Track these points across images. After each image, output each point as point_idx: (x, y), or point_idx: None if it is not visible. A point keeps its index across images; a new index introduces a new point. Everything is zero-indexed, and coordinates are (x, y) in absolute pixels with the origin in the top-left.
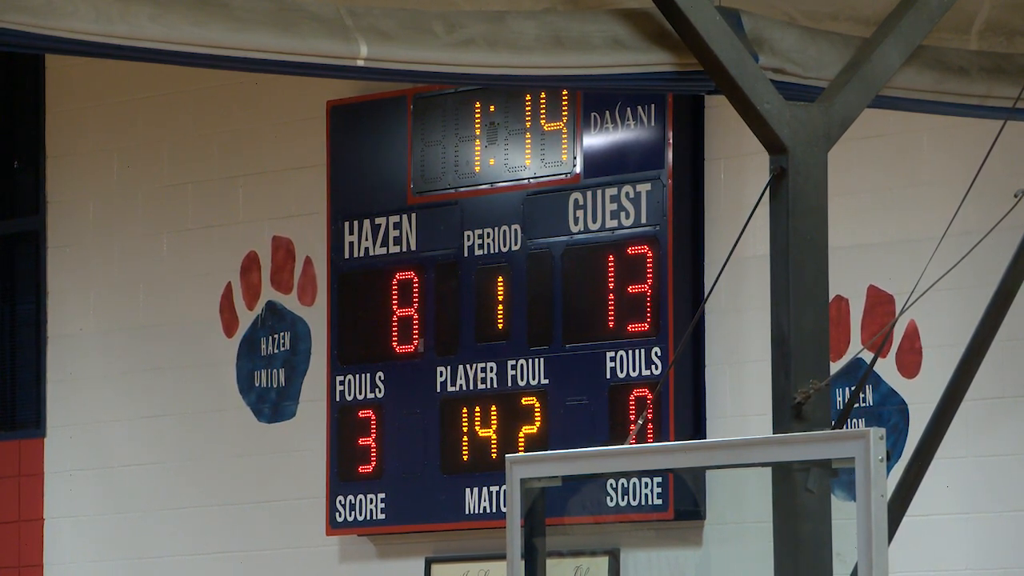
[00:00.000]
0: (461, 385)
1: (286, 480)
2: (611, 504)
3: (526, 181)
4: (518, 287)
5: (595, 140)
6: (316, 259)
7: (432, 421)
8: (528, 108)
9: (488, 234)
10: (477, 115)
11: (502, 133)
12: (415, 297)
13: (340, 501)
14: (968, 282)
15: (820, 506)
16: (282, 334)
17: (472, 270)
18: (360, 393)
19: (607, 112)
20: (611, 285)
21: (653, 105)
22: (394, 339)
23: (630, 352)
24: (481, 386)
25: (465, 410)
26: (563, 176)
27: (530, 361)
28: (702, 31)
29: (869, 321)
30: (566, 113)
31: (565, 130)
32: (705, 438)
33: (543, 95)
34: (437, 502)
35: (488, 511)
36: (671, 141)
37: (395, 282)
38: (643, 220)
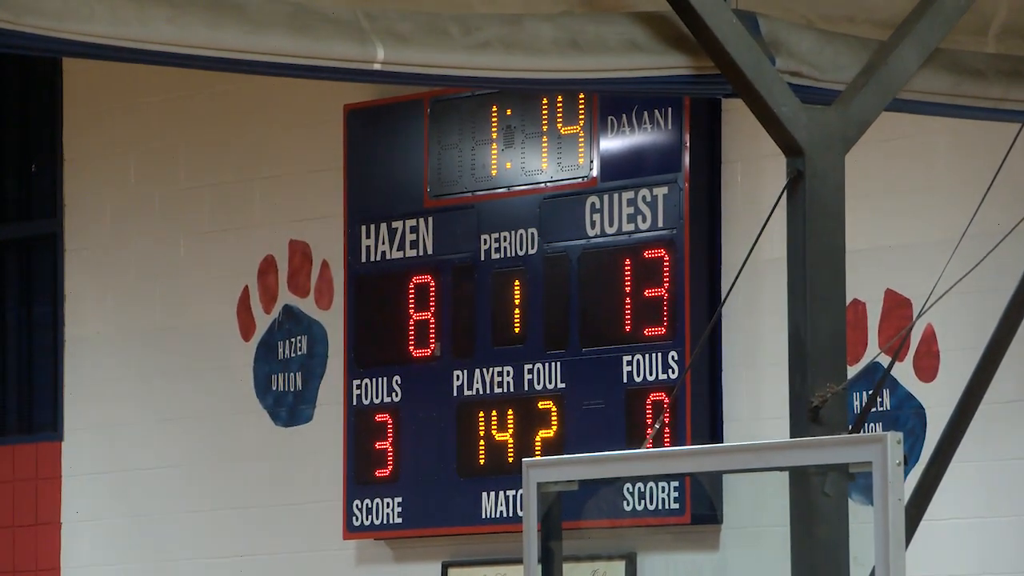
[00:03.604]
0: (478, 389)
1: (303, 484)
2: (628, 508)
3: (543, 184)
4: (534, 291)
5: (612, 143)
6: (333, 262)
7: (449, 425)
8: (545, 111)
9: (505, 237)
10: (494, 118)
11: (519, 136)
12: (432, 301)
13: (357, 505)
14: (986, 285)
15: (837, 510)
16: (299, 337)
17: (488, 273)
18: (377, 397)
19: (624, 115)
20: (628, 289)
21: (670, 108)
22: (411, 343)
23: (647, 356)
24: (498, 390)
25: (482, 414)
26: (580, 179)
27: (547, 365)
28: (719, 34)
29: (886, 325)
30: (583, 116)
31: (582, 133)
32: (722, 442)
33: (560, 98)
34: (454, 506)
35: (505, 515)
36: (688, 144)
37: (412, 285)
38: (660, 223)
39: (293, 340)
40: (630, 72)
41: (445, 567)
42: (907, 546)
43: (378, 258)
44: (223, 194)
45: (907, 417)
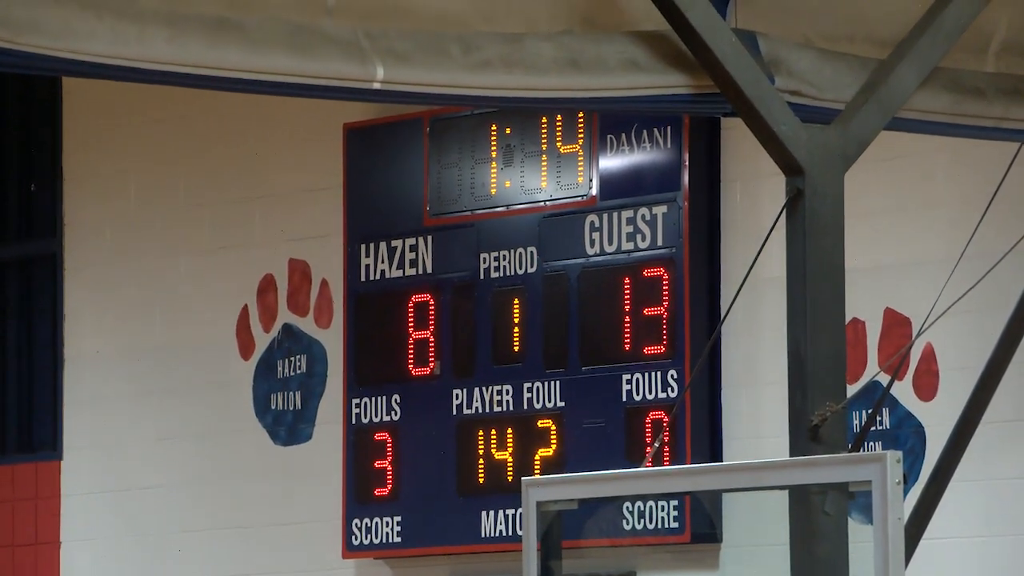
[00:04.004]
0: (477, 407)
1: (302, 503)
2: (627, 527)
3: (542, 203)
4: (534, 309)
5: (611, 162)
6: (332, 281)
7: (448, 444)
8: (544, 130)
9: (504, 256)
10: (493, 137)
11: (518, 155)
12: (431, 319)
13: (356, 524)
14: (985, 304)
15: (837, 529)
16: (298, 356)
17: (488, 292)
18: (376, 415)
19: (623, 134)
20: (627, 307)
21: (669, 127)
22: (410, 361)
23: (646, 374)
24: (497, 408)
25: (481, 432)
26: (579, 198)
27: (546, 383)
28: (718, 53)
29: (886, 343)
30: (582, 135)
31: (581, 152)
32: (722, 460)
33: (559, 117)
34: (453, 525)
35: (504, 534)
36: (687, 163)
37: (411, 304)
38: (659, 242)
39: (292, 359)
40: (630, 91)
41: None
42: (907, 565)
43: (378, 277)
44: (222, 213)
45: (907, 436)
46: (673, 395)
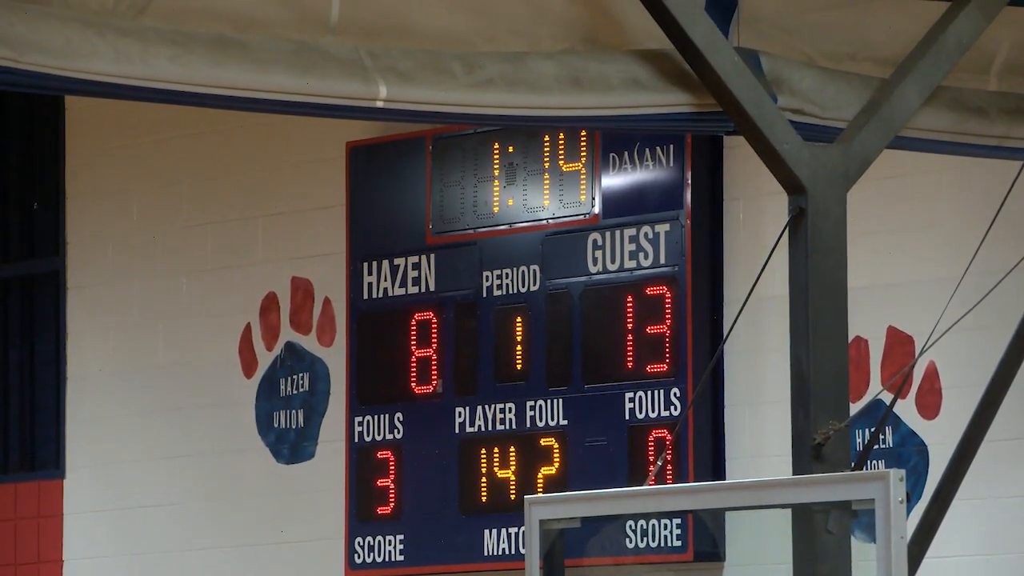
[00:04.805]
0: (480, 426)
1: (305, 521)
2: (630, 545)
3: (545, 221)
4: (537, 327)
5: (614, 180)
6: (335, 299)
7: (451, 462)
8: (546, 149)
9: (507, 274)
10: (496, 156)
11: (521, 174)
12: (434, 337)
13: (359, 542)
14: (988, 323)
15: (840, 547)
16: (301, 375)
17: (491, 310)
18: (379, 434)
19: (625, 152)
20: (630, 325)
21: (672, 145)
22: (413, 379)
23: (649, 393)
24: (500, 427)
25: (484, 451)
26: (582, 216)
27: (549, 402)
28: (721, 72)
29: (888, 362)
30: (584, 154)
31: (583, 170)
32: (724, 479)
33: (561, 136)
34: (456, 543)
35: (507, 552)
36: (690, 181)
37: (414, 322)
38: (662, 260)
39: (295, 377)
40: (632, 109)
41: None
42: None
43: (380, 295)
44: (225, 232)
45: (909, 454)
46: (676, 413)
